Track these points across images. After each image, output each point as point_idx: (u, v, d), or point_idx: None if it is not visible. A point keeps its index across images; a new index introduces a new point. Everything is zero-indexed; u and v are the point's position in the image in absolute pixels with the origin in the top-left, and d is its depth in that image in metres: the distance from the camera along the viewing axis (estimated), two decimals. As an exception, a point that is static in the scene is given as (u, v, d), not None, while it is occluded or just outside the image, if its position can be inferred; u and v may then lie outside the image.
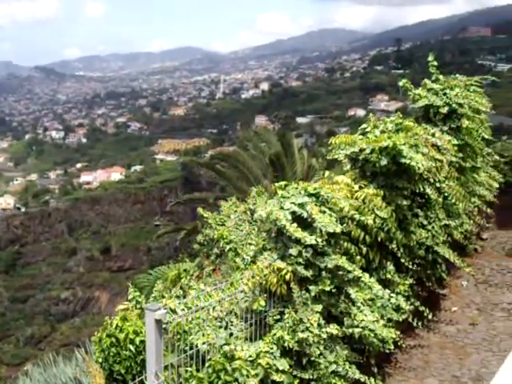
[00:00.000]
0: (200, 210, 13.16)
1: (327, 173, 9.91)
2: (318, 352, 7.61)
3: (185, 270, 13.82)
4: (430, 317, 10.17)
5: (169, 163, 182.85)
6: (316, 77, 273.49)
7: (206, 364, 6.87)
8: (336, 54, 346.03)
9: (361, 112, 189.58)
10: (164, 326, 6.71)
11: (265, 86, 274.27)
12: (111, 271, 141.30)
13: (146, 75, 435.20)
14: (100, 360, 7.55)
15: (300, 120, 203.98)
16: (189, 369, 6.83)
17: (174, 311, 6.91)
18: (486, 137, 13.24)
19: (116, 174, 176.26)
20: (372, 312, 8.52)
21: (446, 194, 11.04)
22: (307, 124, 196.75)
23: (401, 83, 12.76)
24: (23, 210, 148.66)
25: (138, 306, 8.31)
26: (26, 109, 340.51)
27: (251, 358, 7.01)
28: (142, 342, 7.23)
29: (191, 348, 6.95)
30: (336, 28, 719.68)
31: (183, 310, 6.97)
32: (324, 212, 8.07)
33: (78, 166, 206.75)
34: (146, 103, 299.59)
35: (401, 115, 11.10)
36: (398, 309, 9.26)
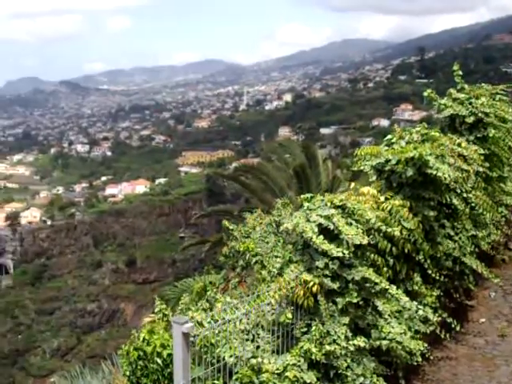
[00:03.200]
0: (225, 222, 13.12)
1: (353, 184, 9.88)
2: (346, 364, 7.55)
3: (210, 283, 13.80)
4: (457, 328, 10.06)
5: (193, 175, 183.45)
6: (339, 87, 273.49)
7: (234, 377, 6.85)
8: (359, 64, 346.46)
9: (384, 122, 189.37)
10: (191, 338, 6.70)
11: (288, 97, 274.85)
12: (136, 283, 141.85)
13: (169, 88, 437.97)
14: (127, 373, 7.55)
15: (323, 131, 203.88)
16: (216, 382, 6.81)
17: (200, 324, 6.89)
18: (513, 146, 13.10)
19: (141, 187, 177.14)
20: (399, 324, 8.45)
21: (472, 205, 10.91)
22: (331, 135, 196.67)
23: (425, 93, 12.67)
24: (49, 222, 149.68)
25: (165, 319, 8.31)
26: (52, 123, 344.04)
27: (278, 371, 6.98)
28: (170, 355, 7.22)
29: (218, 361, 6.94)
30: (358, 38, 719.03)
31: (210, 322, 6.96)
32: (350, 224, 8.03)
33: (103, 179, 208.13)
34: (169, 116, 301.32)
35: (426, 125, 11.04)
36: (425, 320, 9.18)
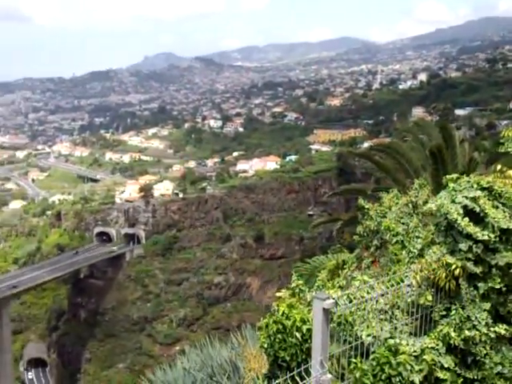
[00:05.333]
0: (361, 200, 13.00)
1: (499, 166, 9.53)
2: (485, 352, 7.36)
3: (343, 261, 13.73)
4: None
5: (324, 153, 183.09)
6: (476, 67, 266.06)
7: (371, 356, 6.78)
8: (498, 44, 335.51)
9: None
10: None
11: (423, 76, 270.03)
12: (263, 259, 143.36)
13: (303, 65, 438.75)
14: (265, 345, 7.59)
15: (458, 112, 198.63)
16: (353, 360, 6.77)
17: (337, 301, 6.87)
18: None
19: (271, 163, 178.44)
20: (542, 314, 8.15)
21: None
22: (466, 116, 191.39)
23: None
24: (181, 195, 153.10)
25: (301, 295, 8.32)
26: (186, 98, 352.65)
27: (416, 354, 6.86)
28: (309, 330, 7.22)
29: (355, 339, 6.90)
30: (497, 16, 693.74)
31: (350, 300, 6.92)
32: (497, 207, 7.78)
33: (235, 154, 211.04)
34: (302, 93, 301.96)
35: None
36: None
